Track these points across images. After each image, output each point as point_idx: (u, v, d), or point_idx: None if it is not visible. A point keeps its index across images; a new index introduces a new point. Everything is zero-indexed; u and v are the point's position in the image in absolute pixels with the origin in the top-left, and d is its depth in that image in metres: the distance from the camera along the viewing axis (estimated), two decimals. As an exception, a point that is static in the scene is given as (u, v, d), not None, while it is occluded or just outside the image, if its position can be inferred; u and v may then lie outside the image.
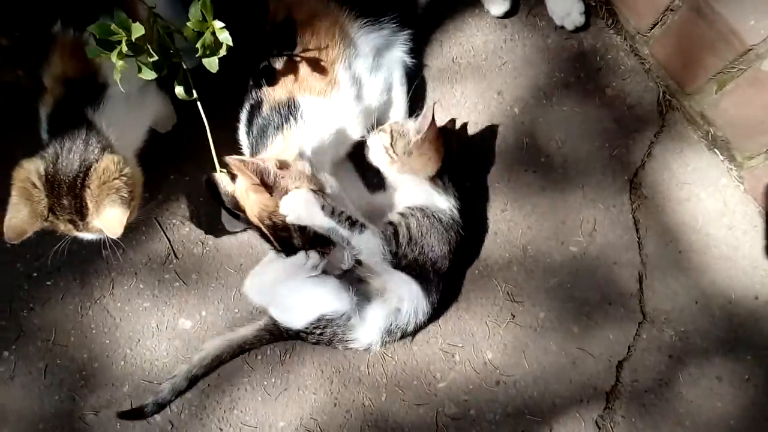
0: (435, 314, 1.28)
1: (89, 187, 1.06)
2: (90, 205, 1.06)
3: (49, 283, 1.31)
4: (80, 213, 1.06)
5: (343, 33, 1.20)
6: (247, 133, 1.19)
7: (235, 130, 1.25)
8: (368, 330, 1.19)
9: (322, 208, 1.11)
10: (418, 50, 1.37)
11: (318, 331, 1.17)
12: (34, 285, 1.31)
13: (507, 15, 1.42)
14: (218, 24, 0.99)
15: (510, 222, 1.35)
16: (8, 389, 1.26)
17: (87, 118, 1.10)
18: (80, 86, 1.11)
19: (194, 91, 1.08)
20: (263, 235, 1.15)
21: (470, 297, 1.32)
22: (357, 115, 1.22)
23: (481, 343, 1.30)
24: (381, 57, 1.27)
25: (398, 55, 1.30)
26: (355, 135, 1.25)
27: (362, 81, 1.23)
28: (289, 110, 1.14)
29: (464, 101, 1.41)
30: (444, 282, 1.26)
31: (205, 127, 1.10)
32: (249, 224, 1.16)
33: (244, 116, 1.22)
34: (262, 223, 1.13)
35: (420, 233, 1.20)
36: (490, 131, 1.39)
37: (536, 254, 1.34)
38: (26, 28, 1.33)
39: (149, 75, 0.99)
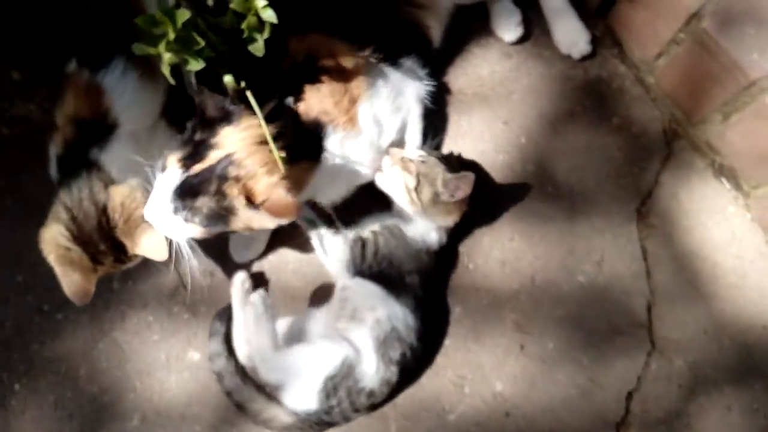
0: (439, 339, 1.29)
1: (117, 227, 1.07)
2: (126, 242, 1.08)
3: (59, 316, 1.31)
4: (121, 250, 1.08)
5: (364, 72, 1.21)
6: None
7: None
8: (367, 357, 1.18)
9: None
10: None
11: (335, 401, 1.15)
12: (44, 318, 1.31)
13: (519, 41, 1.44)
14: (260, 2, 0.96)
15: (518, 252, 1.35)
16: (20, 423, 1.26)
17: (91, 160, 1.12)
18: (90, 127, 1.12)
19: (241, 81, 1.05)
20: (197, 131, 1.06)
21: (479, 328, 1.32)
22: (373, 156, 1.22)
23: (490, 375, 1.30)
24: (400, 96, 1.28)
25: (416, 92, 1.31)
26: (368, 176, 1.25)
27: (382, 121, 1.24)
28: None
29: (471, 131, 1.42)
30: (443, 309, 1.27)
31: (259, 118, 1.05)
32: None
33: None
34: None
35: (388, 249, 1.22)
36: (497, 161, 1.40)
37: (544, 284, 1.34)
38: (39, 63, 1.36)
39: (197, 65, 0.96)
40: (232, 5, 0.97)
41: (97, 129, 1.12)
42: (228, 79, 1.03)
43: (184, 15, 0.93)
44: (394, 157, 1.25)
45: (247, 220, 1.03)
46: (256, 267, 1.35)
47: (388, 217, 1.27)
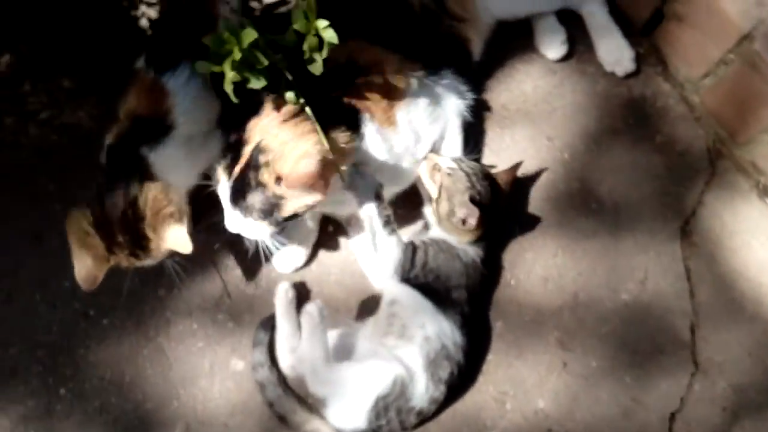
0: (481, 356, 1.29)
1: (144, 219, 1.09)
2: (150, 235, 1.09)
3: (105, 321, 1.33)
4: (139, 245, 1.10)
5: (404, 82, 1.22)
6: None
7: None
8: (417, 376, 1.18)
9: None
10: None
11: (384, 421, 1.14)
12: (90, 324, 1.32)
13: (563, 59, 1.44)
14: (322, 23, 0.99)
15: (561, 268, 1.35)
16: (64, 427, 1.27)
17: (141, 156, 1.13)
18: (147, 125, 1.14)
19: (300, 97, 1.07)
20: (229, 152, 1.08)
21: (521, 344, 1.32)
22: (410, 160, 1.24)
23: (532, 391, 1.29)
24: (438, 107, 1.29)
25: (455, 105, 1.32)
26: (407, 181, 1.27)
27: (419, 130, 1.25)
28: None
29: (514, 146, 1.42)
30: (486, 325, 1.27)
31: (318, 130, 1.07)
32: None
33: None
34: None
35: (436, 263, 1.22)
36: (541, 176, 1.41)
37: (588, 301, 1.34)
38: (90, 71, 1.39)
39: (259, 84, 0.99)
40: (294, 25, 0.99)
41: (154, 128, 1.14)
42: (290, 95, 1.04)
43: (250, 36, 0.95)
44: (429, 161, 1.26)
45: (293, 200, 1.05)
46: (299, 277, 1.35)
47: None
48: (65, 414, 1.28)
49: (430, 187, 1.25)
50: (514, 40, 1.46)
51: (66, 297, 1.34)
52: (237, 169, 1.06)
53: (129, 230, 1.10)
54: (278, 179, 1.04)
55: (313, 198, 1.06)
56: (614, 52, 1.42)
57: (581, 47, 1.46)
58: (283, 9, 1.47)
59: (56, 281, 1.34)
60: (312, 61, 1.02)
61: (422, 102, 1.25)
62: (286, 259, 1.33)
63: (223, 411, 1.28)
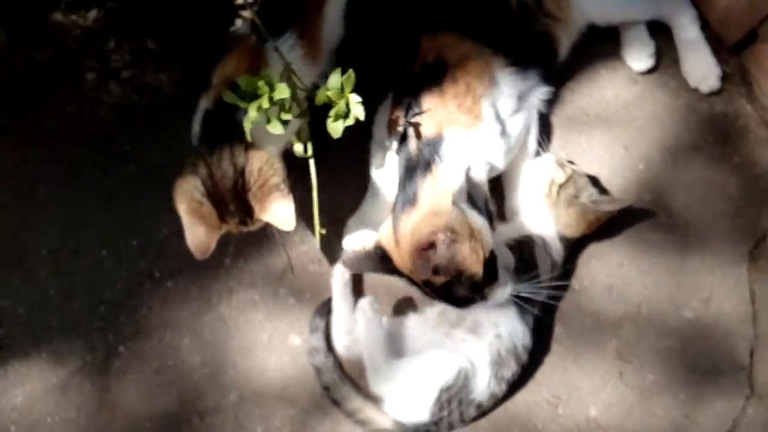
0: (539, 359, 1.29)
1: (250, 191, 1.09)
2: (255, 206, 1.09)
3: (169, 284, 1.34)
4: (248, 213, 1.10)
5: (491, 75, 1.22)
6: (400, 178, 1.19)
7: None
8: (481, 371, 1.18)
9: None
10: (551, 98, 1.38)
11: (446, 413, 1.15)
12: (154, 285, 1.34)
13: (649, 71, 1.43)
14: (355, 98, 1.03)
15: (626, 278, 1.34)
16: (120, 384, 1.29)
17: (237, 120, 1.11)
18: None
19: (309, 149, 1.12)
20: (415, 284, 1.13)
21: (578, 349, 1.32)
22: (502, 149, 1.23)
23: (585, 399, 1.30)
24: (522, 101, 1.28)
25: (535, 103, 1.32)
26: (500, 167, 1.27)
27: (504, 120, 1.25)
28: (435, 147, 1.15)
29: (590, 151, 1.41)
30: (547, 327, 1.27)
31: (312, 185, 1.11)
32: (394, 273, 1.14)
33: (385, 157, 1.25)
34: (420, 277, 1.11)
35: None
36: (614, 184, 1.39)
37: (650, 315, 1.33)
38: (175, 34, 1.39)
39: (278, 130, 1.02)
40: (328, 93, 1.02)
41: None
42: (298, 148, 1.09)
43: (283, 92, 0.99)
44: (555, 156, 1.29)
45: (472, 260, 1.07)
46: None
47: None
48: (122, 371, 1.30)
49: (556, 172, 1.25)
50: (599, 45, 1.44)
51: (133, 256, 1.35)
52: (439, 285, 1.09)
53: (239, 200, 1.10)
54: (435, 271, 1.07)
55: (473, 240, 1.08)
56: (701, 68, 1.40)
57: (666, 60, 1.44)
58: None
59: (124, 240, 1.35)
60: (335, 122, 1.05)
61: (506, 92, 1.25)
62: (358, 241, 1.33)
63: (278, 383, 1.30)
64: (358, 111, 1.04)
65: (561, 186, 1.23)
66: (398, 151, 1.19)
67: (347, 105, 1.04)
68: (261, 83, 0.99)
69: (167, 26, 1.39)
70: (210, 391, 1.30)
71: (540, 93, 1.33)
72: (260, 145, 1.13)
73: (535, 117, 1.35)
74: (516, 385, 1.25)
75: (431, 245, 1.05)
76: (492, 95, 1.22)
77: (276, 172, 1.11)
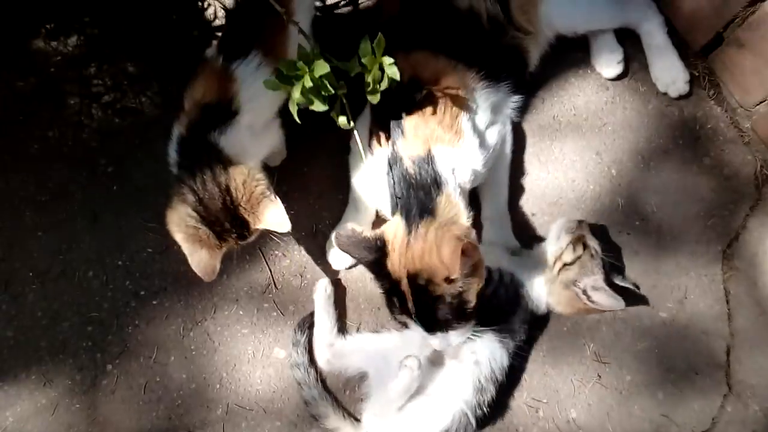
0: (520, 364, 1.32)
1: (240, 205, 1.11)
2: (249, 218, 1.11)
3: (155, 302, 1.37)
4: (243, 226, 1.12)
5: (466, 89, 1.25)
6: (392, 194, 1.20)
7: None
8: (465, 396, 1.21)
9: None
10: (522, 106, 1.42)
11: None
12: (140, 303, 1.37)
13: (618, 78, 1.46)
14: (388, 60, 1.03)
15: (601, 282, 1.38)
16: (109, 402, 1.32)
17: (211, 142, 1.14)
18: (213, 111, 1.15)
19: (351, 121, 1.11)
20: (393, 297, 1.14)
21: (557, 353, 1.34)
22: (481, 161, 1.25)
23: (565, 401, 1.32)
24: (496, 113, 1.32)
25: (509, 113, 1.36)
26: (480, 180, 1.30)
27: (482, 132, 1.28)
28: (432, 164, 1.17)
29: (562, 158, 1.44)
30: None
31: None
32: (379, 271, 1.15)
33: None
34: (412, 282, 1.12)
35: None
36: (587, 190, 1.42)
37: (626, 317, 1.36)
38: (154, 58, 1.42)
39: (322, 108, 1.02)
40: (363, 59, 1.03)
41: (220, 113, 1.15)
42: (342, 120, 1.08)
43: (323, 68, 0.99)
44: (578, 229, 1.28)
45: (468, 285, 1.10)
46: (344, 275, 1.39)
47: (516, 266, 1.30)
48: (111, 390, 1.33)
49: (566, 250, 1.26)
50: (569, 54, 1.47)
51: (118, 275, 1.38)
52: (410, 306, 1.11)
53: (232, 216, 1.12)
54: (447, 280, 1.08)
55: (478, 270, 1.10)
56: (670, 72, 1.43)
57: (635, 65, 1.48)
58: (343, 10, 1.50)
59: (110, 259, 1.38)
60: (374, 92, 1.06)
61: (482, 106, 1.28)
62: (341, 256, 1.35)
63: (263, 397, 1.32)
64: (393, 71, 1.03)
65: (565, 265, 1.25)
66: (389, 172, 1.20)
67: (381, 68, 1.04)
68: (300, 63, 0.99)
69: (146, 50, 1.43)
70: (197, 406, 1.32)
71: (512, 103, 1.37)
72: (238, 161, 1.15)
73: (509, 128, 1.38)
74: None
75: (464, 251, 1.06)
76: (468, 109, 1.25)
77: (259, 182, 1.13)
